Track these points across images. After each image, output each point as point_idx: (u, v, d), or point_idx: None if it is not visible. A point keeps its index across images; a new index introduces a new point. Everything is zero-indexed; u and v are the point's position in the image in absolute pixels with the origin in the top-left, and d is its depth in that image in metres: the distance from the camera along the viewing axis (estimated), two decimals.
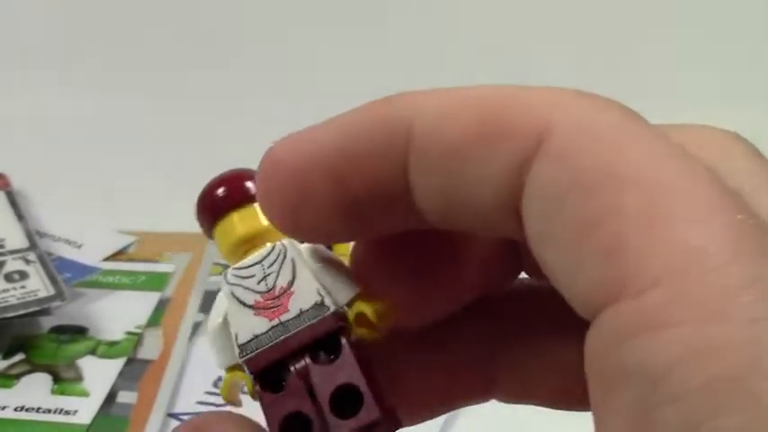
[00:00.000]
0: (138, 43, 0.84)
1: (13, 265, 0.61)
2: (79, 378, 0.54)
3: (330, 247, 0.21)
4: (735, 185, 0.16)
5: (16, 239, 0.64)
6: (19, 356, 0.56)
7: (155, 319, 0.59)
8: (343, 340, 0.19)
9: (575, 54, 0.77)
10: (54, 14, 0.85)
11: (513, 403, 0.22)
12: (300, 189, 0.19)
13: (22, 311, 0.56)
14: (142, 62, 0.83)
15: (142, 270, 0.64)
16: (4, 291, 0.57)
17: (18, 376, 0.55)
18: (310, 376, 0.19)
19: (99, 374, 0.55)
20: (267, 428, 0.19)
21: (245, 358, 0.20)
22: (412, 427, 0.21)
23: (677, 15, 0.81)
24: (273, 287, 0.20)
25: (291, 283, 0.20)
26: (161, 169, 0.74)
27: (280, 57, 0.83)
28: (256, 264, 0.21)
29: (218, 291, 0.22)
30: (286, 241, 0.21)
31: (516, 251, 0.21)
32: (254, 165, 0.22)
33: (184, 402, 0.53)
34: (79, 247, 0.66)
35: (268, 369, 0.20)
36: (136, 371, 0.55)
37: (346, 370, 0.19)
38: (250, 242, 0.21)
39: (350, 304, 0.20)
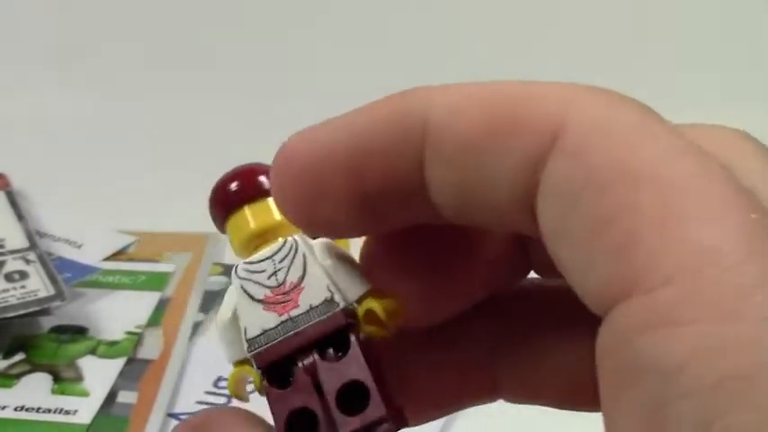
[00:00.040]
0: (138, 43, 0.84)
1: (13, 264, 0.61)
2: (79, 378, 0.54)
3: None
4: (748, 184, 0.16)
5: (16, 239, 0.64)
6: (19, 356, 0.56)
7: (155, 319, 0.59)
8: (352, 337, 0.19)
9: (575, 54, 0.77)
10: (54, 14, 0.85)
11: (520, 403, 0.22)
12: (315, 184, 0.19)
13: (22, 311, 0.56)
14: (142, 62, 0.83)
15: (142, 270, 0.64)
16: (4, 291, 0.57)
17: (18, 376, 0.55)
18: (318, 372, 0.19)
19: (99, 374, 0.55)
20: (273, 424, 0.19)
21: (253, 353, 0.20)
22: (412, 427, 0.21)
23: (677, 15, 0.81)
24: (284, 282, 0.20)
25: (302, 278, 0.20)
26: (161, 169, 0.74)
27: (280, 57, 0.83)
28: (267, 258, 0.21)
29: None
30: (297, 237, 0.21)
31: (525, 250, 0.21)
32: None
33: (184, 402, 0.53)
34: (79, 247, 0.66)
35: (276, 364, 0.20)
36: (136, 371, 0.55)
37: (354, 367, 0.19)
38: (262, 237, 0.21)
39: (359, 301, 0.20)
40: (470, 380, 0.22)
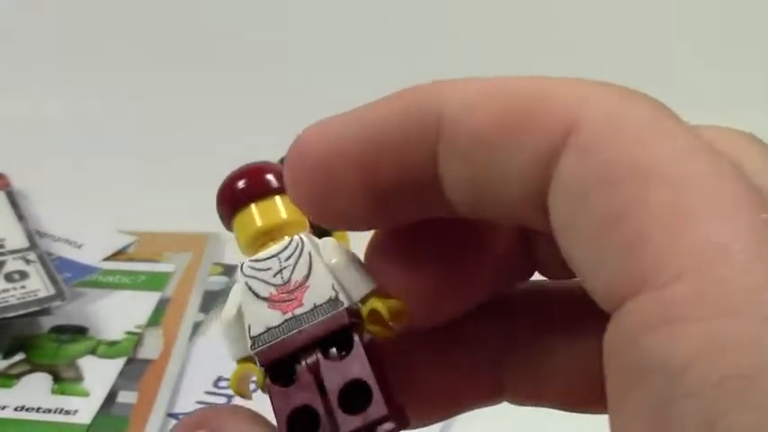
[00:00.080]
0: (138, 43, 0.84)
1: (13, 264, 0.61)
2: (79, 378, 0.54)
3: (330, 233, 0.21)
4: (758, 183, 0.16)
5: (16, 239, 0.64)
6: (19, 356, 0.56)
7: (155, 319, 0.59)
8: (355, 337, 0.20)
9: (575, 54, 0.77)
10: (54, 15, 0.85)
11: (525, 405, 0.22)
12: (328, 177, 0.19)
13: (22, 311, 0.56)
14: (142, 62, 0.83)
15: (142, 270, 0.64)
16: (4, 291, 0.57)
17: (18, 376, 0.55)
18: (321, 371, 0.19)
19: (99, 374, 0.55)
20: (275, 422, 0.19)
21: (256, 350, 0.20)
22: (416, 429, 0.21)
23: (677, 15, 0.81)
24: (289, 281, 0.20)
25: (307, 277, 0.20)
26: (161, 169, 0.74)
27: (280, 57, 0.83)
28: (273, 257, 0.21)
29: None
30: (303, 235, 0.21)
31: (531, 250, 0.21)
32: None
33: (184, 402, 0.53)
34: (79, 247, 0.66)
35: (279, 362, 0.20)
36: (136, 371, 0.55)
37: (356, 366, 0.19)
38: (268, 235, 0.21)
39: (364, 301, 0.20)
40: (475, 381, 0.22)
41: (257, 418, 0.20)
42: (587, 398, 0.20)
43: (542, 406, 0.22)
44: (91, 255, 0.65)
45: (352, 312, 0.20)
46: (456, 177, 0.18)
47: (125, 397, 0.53)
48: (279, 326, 0.20)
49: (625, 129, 0.16)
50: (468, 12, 0.82)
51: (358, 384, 0.19)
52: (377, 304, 0.20)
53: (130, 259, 0.65)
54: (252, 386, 0.21)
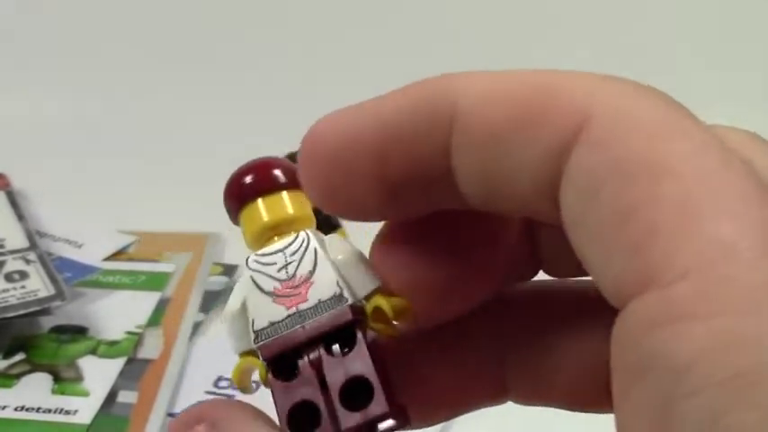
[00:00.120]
0: (138, 43, 0.84)
1: (13, 264, 0.61)
2: (79, 378, 0.54)
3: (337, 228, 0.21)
4: (767, 182, 0.16)
5: (16, 239, 0.64)
6: (19, 356, 0.56)
7: (155, 319, 0.59)
8: (359, 334, 0.20)
9: (575, 54, 0.77)
10: (54, 15, 0.85)
11: (529, 405, 0.22)
12: (341, 167, 0.19)
13: (22, 311, 0.56)
14: (142, 62, 0.83)
15: (142, 270, 0.64)
16: (5, 291, 0.57)
17: (18, 376, 0.55)
18: (323, 367, 0.19)
19: (99, 374, 0.55)
20: (276, 416, 0.19)
21: (259, 344, 0.20)
22: (419, 429, 0.21)
23: (677, 15, 0.81)
24: (294, 276, 0.20)
25: (312, 272, 0.20)
26: (161, 169, 0.74)
27: (280, 57, 0.83)
28: (279, 251, 0.21)
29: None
30: (310, 231, 0.21)
31: (536, 249, 0.21)
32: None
33: (184, 402, 0.53)
34: (79, 246, 0.66)
35: (281, 357, 0.20)
36: (136, 370, 0.55)
37: (359, 363, 0.19)
38: (274, 230, 0.21)
39: (368, 298, 0.20)
40: (479, 381, 0.22)
41: (257, 412, 0.20)
42: (591, 397, 0.20)
43: (546, 406, 0.22)
44: (91, 255, 0.65)
45: (356, 309, 0.20)
46: (469, 170, 0.18)
47: (125, 397, 0.53)
48: (282, 320, 0.20)
49: (637, 124, 0.16)
50: (468, 12, 0.82)
51: (360, 381, 0.19)
52: (381, 302, 0.20)
53: (130, 259, 0.65)
54: (253, 386, 0.21)
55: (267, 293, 0.20)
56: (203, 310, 0.60)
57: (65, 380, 0.54)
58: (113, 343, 0.57)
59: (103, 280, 0.63)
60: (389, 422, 0.19)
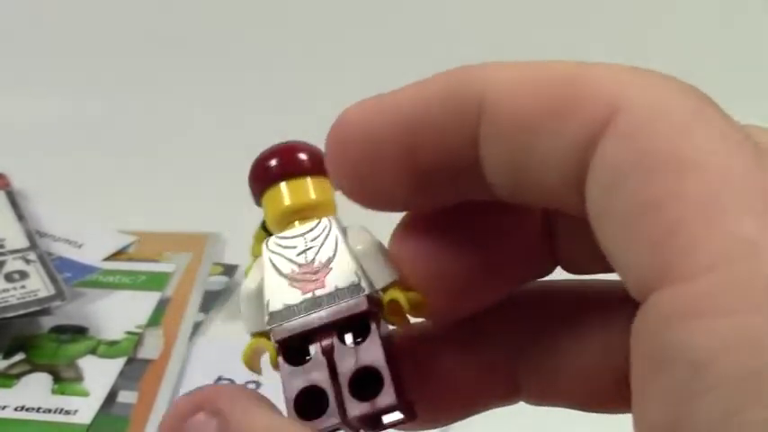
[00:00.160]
0: (138, 44, 0.84)
1: (13, 264, 0.61)
2: (79, 378, 0.54)
3: None
4: None
5: (16, 239, 0.64)
6: (19, 356, 0.56)
7: (155, 319, 0.59)
8: (373, 325, 0.20)
9: (575, 54, 0.77)
10: (54, 15, 0.85)
11: (542, 405, 0.22)
12: (368, 156, 0.19)
13: (22, 311, 0.56)
14: (142, 62, 0.83)
15: (142, 270, 0.64)
16: (5, 291, 0.57)
17: (18, 376, 0.55)
18: (334, 355, 0.19)
19: (99, 374, 0.55)
20: (284, 399, 0.19)
21: (272, 326, 0.20)
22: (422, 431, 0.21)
23: (677, 15, 0.81)
24: (312, 261, 0.20)
25: (331, 259, 0.20)
26: (161, 169, 0.74)
27: (280, 57, 0.83)
28: (300, 236, 0.21)
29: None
30: (333, 218, 0.21)
31: (553, 247, 0.21)
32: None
33: None
34: (79, 246, 0.66)
35: (293, 340, 0.20)
36: (136, 371, 0.55)
37: (371, 353, 0.19)
38: (297, 214, 0.21)
39: (385, 290, 0.20)
40: (491, 380, 0.22)
41: (260, 397, 0.19)
42: (606, 398, 0.20)
43: (558, 406, 0.22)
44: (91, 255, 0.65)
45: (372, 300, 0.20)
46: (497, 160, 0.18)
47: (125, 397, 0.53)
48: (297, 304, 0.20)
49: (666, 117, 0.16)
50: (468, 12, 0.82)
51: (370, 372, 0.19)
52: (397, 294, 0.20)
53: (130, 259, 0.65)
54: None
55: (284, 276, 0.20)
56: (203, 310, 0.60)
57: (65, 380, 0.54)
58: (113, 343, 0.57)
59: (103, 280, 0.63)
60: (396, 414, 0.19)
